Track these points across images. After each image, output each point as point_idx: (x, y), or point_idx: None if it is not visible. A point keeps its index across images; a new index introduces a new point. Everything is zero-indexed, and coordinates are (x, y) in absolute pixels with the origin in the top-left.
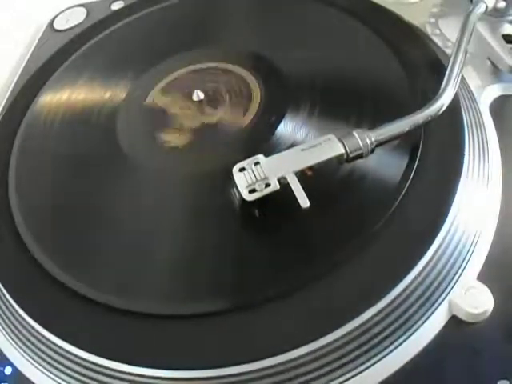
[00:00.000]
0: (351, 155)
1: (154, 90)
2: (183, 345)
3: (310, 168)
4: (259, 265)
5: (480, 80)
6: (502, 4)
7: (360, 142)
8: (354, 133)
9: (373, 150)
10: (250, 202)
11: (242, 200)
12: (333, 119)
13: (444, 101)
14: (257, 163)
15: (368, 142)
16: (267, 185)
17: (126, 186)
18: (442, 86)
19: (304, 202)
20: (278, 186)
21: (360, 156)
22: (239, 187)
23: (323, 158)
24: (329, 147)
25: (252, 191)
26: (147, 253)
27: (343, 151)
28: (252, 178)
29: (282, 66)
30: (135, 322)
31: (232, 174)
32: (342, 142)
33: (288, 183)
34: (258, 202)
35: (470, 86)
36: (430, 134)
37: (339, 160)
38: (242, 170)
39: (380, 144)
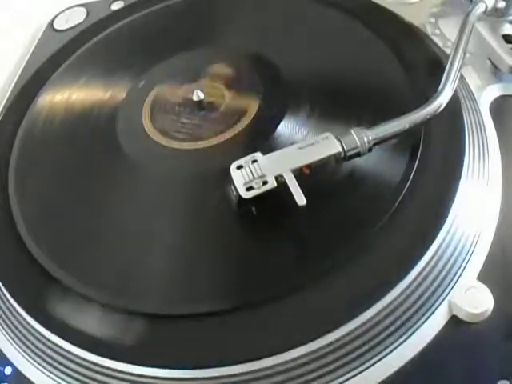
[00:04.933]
0: (348, 153)
1: (153, 90)
2: (183, 345)
3: (308, 166)
4: (258, 264)
5: (480, 80)
6: (501, 4)
7: (357, 141)
8: (352, 131)
9: (370, 149)
10: (249, 201)
11: (240, 198)
12: (333, 119)
13: (442, 100)
14: (254, 161)
15: (365, 140)
16: (264, 182)
17: (126, 186)
18: (441, 85)
19: (301, 200)
20: (275, 184)
21: (357, 154)
22: (236, 185)
23: (320, 156)
24: (326, 145)
25: (249, 189)
26: (147, 252)
27: (340, 149)
28: (249, 175)
29: (281, 66)
30: (135, 322)
31: (230, 172)
32: (340, 141)
33: (285, 181)
34: (257, 202)
35: (469, 85)
36: (430, 134)
37: (337, 158)
38: (239, 167)
39: (378, 143)
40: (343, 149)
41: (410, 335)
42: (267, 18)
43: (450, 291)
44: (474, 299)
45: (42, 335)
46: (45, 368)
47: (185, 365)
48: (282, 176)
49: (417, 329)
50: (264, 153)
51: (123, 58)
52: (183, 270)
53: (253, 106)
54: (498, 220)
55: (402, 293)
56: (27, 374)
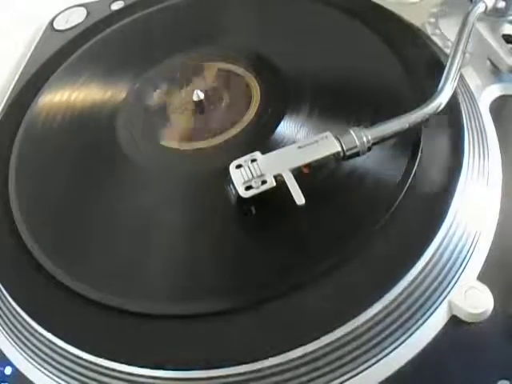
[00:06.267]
0: (347, 153)
1: (153, 90)
2: (183, 345)
3: (307, 166)
4: (258, 264)
5: (480, 80)
6: (501, 4)
7: (356, 140)
8: (351, 131)
9: (369, 149)
10: (248, 200)
11: (239, 197)
12: (333, 118)
13: (442, 99)
14: (254, 160)
15: (364, 139)
16: (263, 182)
17: (126, 186)
18: (440, 85)
19: (299, 199)
20: (274, 183)
21: (357, 154)
22: (236, 184)
23: (319, 155)
24: (325, 145)
25: (248, 188)
26: (147, 253)
27: (339, 149)
28: (248, 174)
29: (282, 66)
30: (135, 322)
31: (229, 171)
32: (339, 140)
33: (284, 180)
34: (256, 201)
35: (469, 85)
36: (430, 134)
37: (336, 158)
38: (238, 166)
39: (377, 142)
40: (342, 148)
41: (410, 335)
42: (267, 17)
43: (449, 291)
44: (474, 299)
45: (42, 335)
46: (45, 368)
47: (184, 365)
48: (281, 175)
49: (417, 329)
50: (263, 152)
51: (123, 57)
52: (183, 270)
53: (253, 105)
54: (498, 220)
55: (401, 293)
56: (27, 374)
